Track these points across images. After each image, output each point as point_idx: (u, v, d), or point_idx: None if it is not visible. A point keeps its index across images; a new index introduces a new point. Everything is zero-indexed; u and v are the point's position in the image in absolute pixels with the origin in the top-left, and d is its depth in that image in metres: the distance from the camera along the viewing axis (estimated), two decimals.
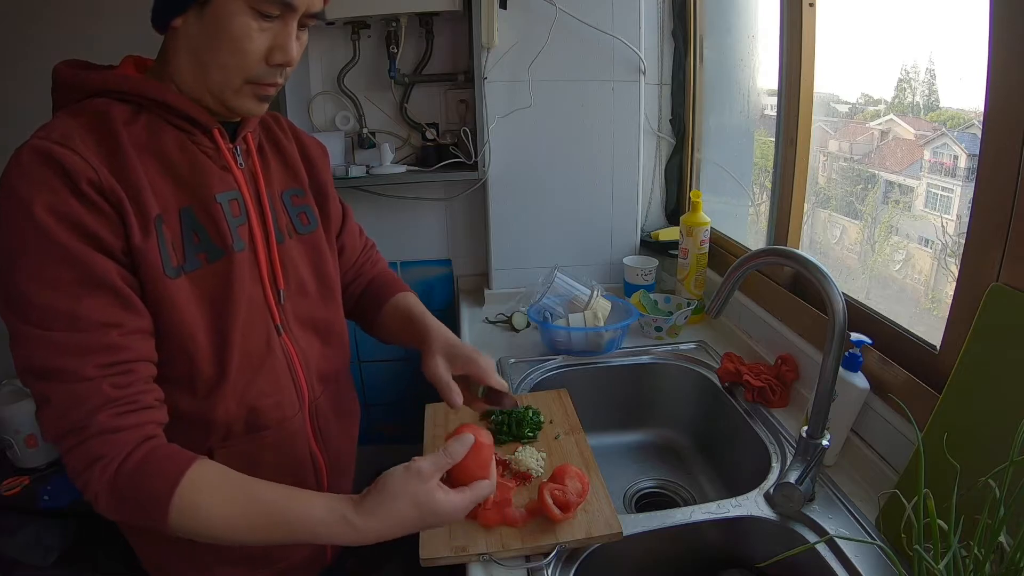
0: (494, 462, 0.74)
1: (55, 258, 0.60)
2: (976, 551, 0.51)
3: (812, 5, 1.12)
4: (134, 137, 0.67)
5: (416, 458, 0.69)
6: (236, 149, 0.76)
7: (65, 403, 0.60)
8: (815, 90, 1.16)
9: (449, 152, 1.56)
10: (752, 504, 0.87)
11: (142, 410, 0.63)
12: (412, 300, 1.00)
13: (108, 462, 0.60)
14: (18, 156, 0.62)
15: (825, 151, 1.27)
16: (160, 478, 0.61)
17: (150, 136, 0.69)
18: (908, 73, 1.03)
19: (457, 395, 0.84)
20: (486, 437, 0.74)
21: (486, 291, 1.68)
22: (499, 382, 0.86)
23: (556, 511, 0.78)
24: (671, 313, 1.42)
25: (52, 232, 0.60)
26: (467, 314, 1.61)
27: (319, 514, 0.64)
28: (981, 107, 0.74)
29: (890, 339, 0.92)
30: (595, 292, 1.34)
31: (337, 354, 0.89)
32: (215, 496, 0.62)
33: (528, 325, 1.48)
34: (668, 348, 1.36)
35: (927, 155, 1.01)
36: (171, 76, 0.70)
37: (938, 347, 0.84)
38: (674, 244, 1.54)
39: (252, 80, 0.69)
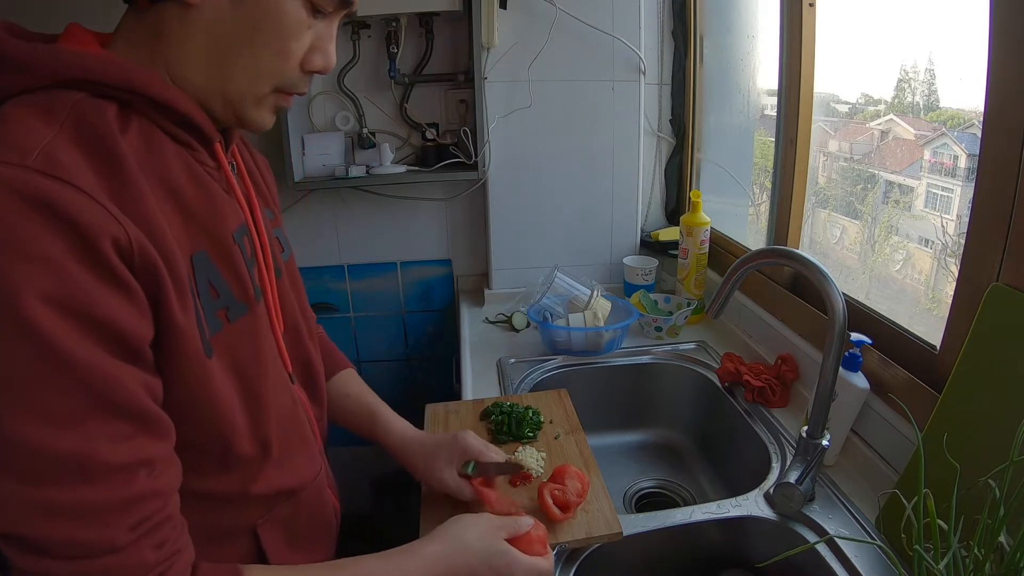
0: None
1: (58, 378, 0.41)
2: (976, 551, 0.51)
3: (812, 5, 1.12)
4: (135, 154, 0.48)
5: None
6: (232, 164, 0.61)
7: (69, 553, 0.42)
8: (815, 90, 1.16)
9: (449, 152, 1.56)
10: (752, 504, 0.87)
11: (178, 558, 0.48)
12: (363, 389, 0.89)
13: None
14: None
15: (825, 151, 1.27)
16: None
17: (148, 152, 0.50)
18: (908, 73, 1.03)
19: (468, 488, 0.79)
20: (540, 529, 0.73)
21: (486, 291, 1.68)
22: (496, 453, 0.81)
23: (556, 511, 0.78)
24: (671, 313, 1.42)
25: (54, 339, 0.40)
26: (467, 314, 1.61)
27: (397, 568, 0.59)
28: (981, 107, 0.74)
29: (890, 339, 0.92)
30: (595, 292, 1.34)
31: (320, 388, 0.76)
32: None
33: (528, 325, 1.48)
34: (668, 348, 1.36)
35: (927, 155, 1.01)
36: (167, 66, 0.52)
37: (938, 347, 0.84)
38: (674, 244, 1.54)
39: (281, 87, 0.55)
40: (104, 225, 0.42)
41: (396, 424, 0.86)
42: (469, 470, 0.80)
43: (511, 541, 0.67)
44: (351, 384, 0.88)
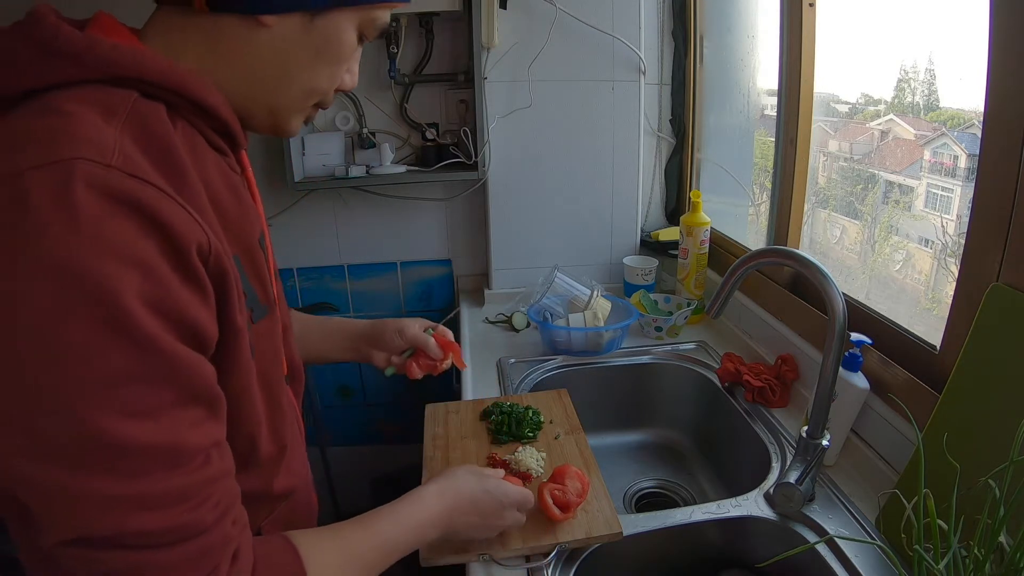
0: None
1: (151, 375, 0.41)
2: (976, 551, 0.51)
3: (812, 5, 1.12)
4: (194, 156, 0.50)
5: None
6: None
7: (179, 565, 0.43)
8: (815, 90, 1.16)
9: (449, 152, 1.56)
10: (752, 504, 0.87)
11: (247, 530, 0.50)
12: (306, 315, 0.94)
13: None
14: (63, 195, 0.38)
15: (825, 151, 1.27)
16: None
17: (193, 157, 0.49)
18: (908, 73, 1.03)
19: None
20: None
21: (486, 291, 1.68)
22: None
23: (556, 511, 0.78)
24: (671, 313, 1.42)
25: (151, 341, 0.40)
26: (467, 314, 1.61)
27: (410, 515, 0.66)
28: (981, 107, 0.74)
29: (890, 339, 0.92)
30: (595, 292, 1.34)
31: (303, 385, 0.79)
32: (337, 571, 0.56)
33: (528, 325, 1.48)
34: (668, 348, 1.36)
35: (927, 155, 1.01)
36: (213, 72, 0.53)
37: (938, 347, 0.84)
38: (674, 244, 1.54)
39: (320, 103, 0.60)
40: (191, 229, 0.43)
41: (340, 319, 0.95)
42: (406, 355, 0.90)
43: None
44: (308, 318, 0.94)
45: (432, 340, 0.90)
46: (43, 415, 0.38)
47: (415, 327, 0.90)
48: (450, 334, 0.93)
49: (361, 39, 0.58)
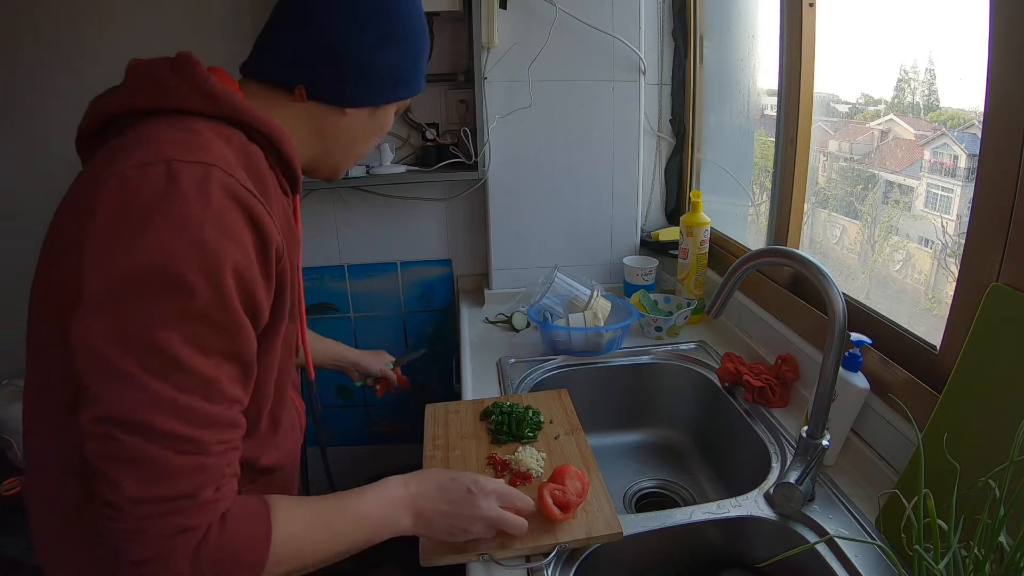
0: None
1: (218, 323, 0.54)
2: (976, 551, 0.51)
3: (812, 5, 1.12)
4: (273, 190, 0.65)
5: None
6: None
7: (176, 472, 0.52)
8: (815, 90, 1.16)
9: (449, 152, 1.56)
10: (752, 504, 0.87)
11: (234, 479, 0.58)
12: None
13: (196, 533, 0.53)
14: (203, 186, 0.53)
15: (825, 151, 1.27)
16: (251, 536, 0.57)
17: (276, 196, 0.66)
18: (908, 73, 1.03)
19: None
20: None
21: (486, 291, 1.68)
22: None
23: (556, 511, 0.78)
24: (671, 313, 1.42)
25: (231, 301, 0.54)
26: (467, 314, 1.61)
27: (376, 492, 0.70)
28: (981, 107, 0.74)
29: (890, 339, 0.92)
30: (595, 292, 1.34)
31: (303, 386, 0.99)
32: (304, 532, 0.62)
33: (528, 325, 1.48)
34: (668, 348, 1.36)
35: (927, 155, 1.01)
36: (309, 141, 0.73)
37: (938, 347, 0.84)
38: (674, 244, 1.54)
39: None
40: (275, 235, 0.59)
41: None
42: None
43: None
44: None
45: (392, 374, 1.25)
46: (137, 318, 0.51)
47: (376, 365, 1.23)
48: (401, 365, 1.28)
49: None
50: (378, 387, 1.27)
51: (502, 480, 0.82)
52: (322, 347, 1.19)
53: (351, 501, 0.68)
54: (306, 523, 0.62)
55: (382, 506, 0.70)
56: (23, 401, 0.65)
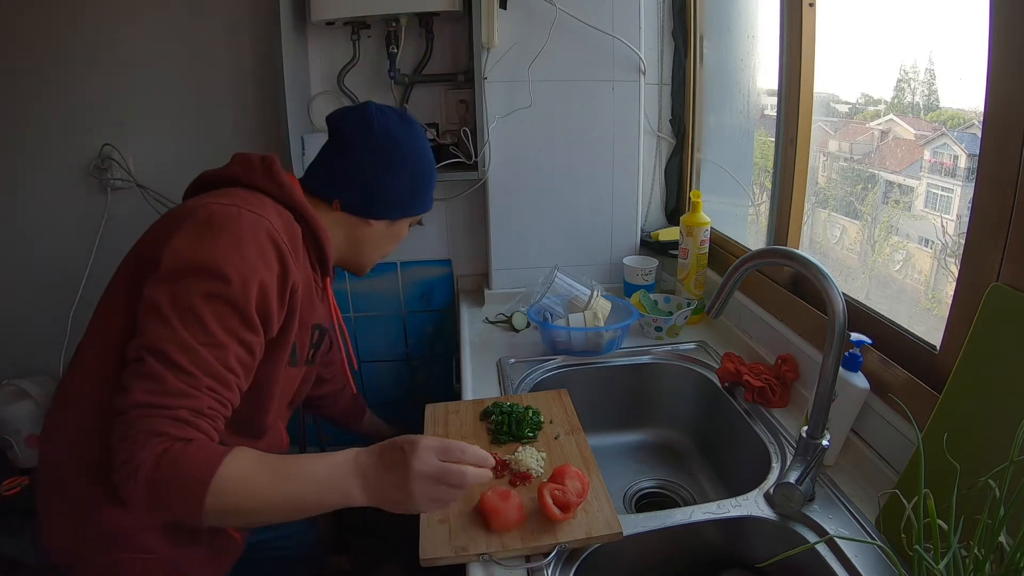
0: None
1: (240, 315, 0.75)
2: (976, 551, 0.51)
3: (812, 5, 1.12)
4: (302, 261, 0.88)
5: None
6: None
7: (172, 389, 0.70)
8: (815, 90, 1.16)
9: (449, 152, 1.56)
10: (752, 504, 0.87)
11: (212, 428, 0.73)
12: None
13: (167, 439, 0.68)
14: (256, 227, 0.78)
15: (825, 151, 1.27)
16: (203, 460, 0.68)
17: (303, 265, 0.89)
18: (908, 73, 1.03)
19: None
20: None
21: (486, 291, 1.68)
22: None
23: (556, 511, 0.78)
24: (671, 313, 1.42)
25: (250, 297, 0.75)
26: (467, 314, 1.61)
27: (329, 456, 0.75)
28: (981, 107, 0.74)
29: (890, 339, 0.92)
30: (595, 292, 1.34)
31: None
32: (249, 472, 0.71)
33: (528, 325, 1.48)
34: (668, 348, 1.36)
35: (927, 155, 1.01)
36: (342, 239, 0.98)
37: (938, 347, 0.84)
38: (674, 244, 1.54)
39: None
40: (293, 275, 0.82)
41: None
42: None
43: (490, 515, 0.80)
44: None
45: None
46: (186, 286, 0.73)
47: None
48: None
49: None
50: None
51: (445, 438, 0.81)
52: (372, 426, 1.42)
53: (304, 459, 0.74)
54: (257, 464, 0.72)
55: (330, 468, 0.73)
56: (78, 349, 0.85)
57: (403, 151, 0.97)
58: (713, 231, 1.46)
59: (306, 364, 0.98)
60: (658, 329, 1.39)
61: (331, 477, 0.72)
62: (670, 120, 1.66)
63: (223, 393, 0.74)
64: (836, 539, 0.76)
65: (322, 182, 0.97)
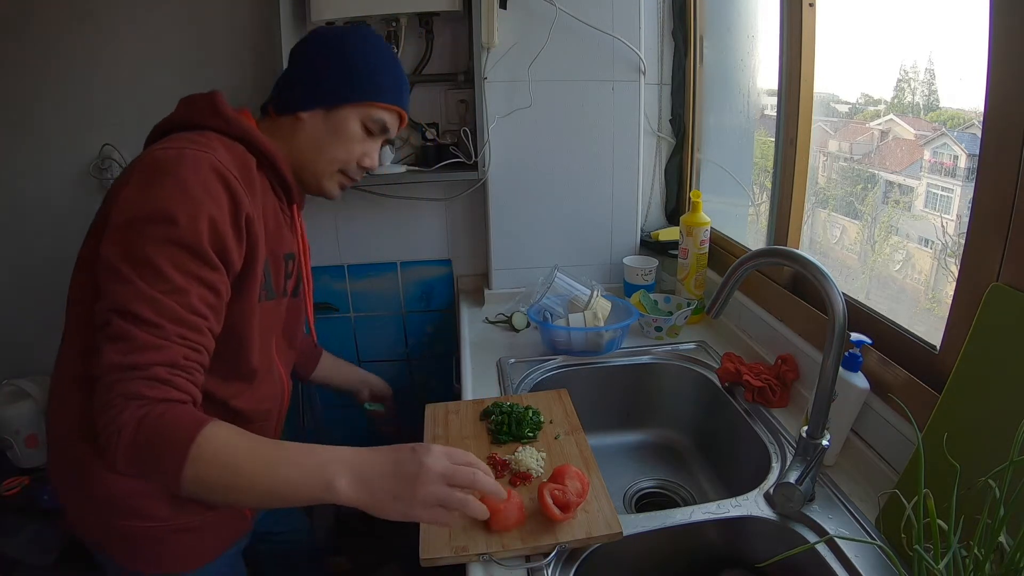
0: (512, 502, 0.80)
1: (191, 251, 0.72)
2: (976, 551, 0.51)
3: (812, 5, 1.12)
4: (260, 190, 0.85)
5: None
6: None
7: (141, 345, 0.68)
8: (815, 90, 1.16)
9: (449, 152, 1.56)
10: (752, 504, 0.87)
11: (190, 383, 0.72)
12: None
13: (146, 403, 0.67)
14: (197, 163, 0.75)
15: (825, 151, 1.27)
16: (183, 426, 0.68)
17: (262, 192, 0.86)
18: (908, 73, 1.03)
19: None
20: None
21: (486, 291, 1.68)
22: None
23: (556, 511, 0.78)
24: (671, 313, 1.42)
25: (202, 235, 0.73)
26: (467, 314, 1.61)
27: (322, 452, 0.72)
28: (981, 107, 0.74)
29: (890, 339, 0.92)
30: (595, 292, 1.34)
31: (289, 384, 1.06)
32: (230, 447, 0.69)
33: (528, 325, 1.48)
34: (668, 348, 1.36)
35: (927, 155, 1.01)
36: (286, 150, 0.90)
37: (938, 347, 0.84)
38: (674, 244, 1.54)
39: (344, 171, 0.95)
40: (246, 205, 0.78)
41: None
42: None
43: (491, 515, 0.76)
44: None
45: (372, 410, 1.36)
46: (136, 238, 0.71)
47: (387, 388, 1.37)
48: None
49: (368, 131, 0.93)
50: (383, 412, 1.36)
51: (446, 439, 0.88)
52: (337, 367, 1.33)
53: (289, 445, 0.72)
54: (238, 436, 0.71)
55: (318, 456, 0.70)
56: (65, 322, 0.85)
57: (335, 36, 0.92)
58: (713, 231, 1.46)
59: (286, 296, 0.95)
60: (658, 329, 1.39)
61: (317, 465, 0.69)
62: (670, 120, 1.66)
63: (194, 339, 0.72)
64: (836, 539, 0.76)
65: (270, 99, 0.94)
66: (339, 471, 0.69)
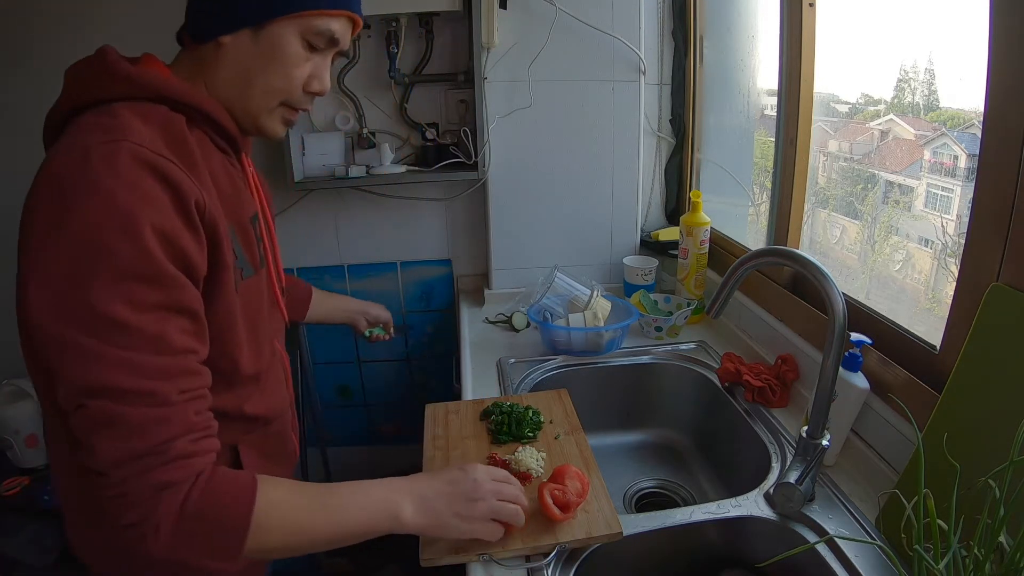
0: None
1: (149, 279, 0.57)
2: (976, 551, 0.51)
3: (812, 5, 1.12)
4: (202, 154, 0.67)
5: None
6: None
7: (142, 426, 0.56)
8: (815, 90, 1.16)
9: (449, 152, 1.56)
10: (752, 504, 0.87)
11: (211, 436, 0.63)
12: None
13: (179, 489, 0.57)
14: (111, 160, 0.57)
15: (825, 151, 1.27)
16: (233, 501, 0.60)
17: (204, 155, 0.68)
18: (908, 73, 1.03)
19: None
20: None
21: (486, 291, 1.68)
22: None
23: (556, 511, 0.78)
24: (671, 313, 1.42)
25: (154, 253, 0.57)
26: (467, 314, 1.61)
27: (378, 486, 0.71)
28: (981, 107, 0.74)
29: (890, 339, 0.92)
30: (595, 292, 1.34)
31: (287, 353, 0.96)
32: (290, 507, 0.64)
33: (528, 325, 1.48)
34: (668, 348, 1.36)
35: (927, 155, 1.01)
36: (209, 89, 0.71)
37: (938, 347, 0.84)
38: (674, 244, 1.54)
39: (287, 103, 0.74)
40: (192, 190, 0.61)
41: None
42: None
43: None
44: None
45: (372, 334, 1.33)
46: (74, 291, 0.55)
47: (385, 313, 1.33)
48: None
49: (313, 47, 0.71)
50: (385, 336, 1.34)
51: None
52: (331, 302, 1.26)
53: (341, 486, 0.70)
54: (292, 493, 0.65)
55: (376, 492, 0.70)
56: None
57: None
58: (713, 231, 1.46)
59: (263, 266, 0.79)
60: (658, 329, 1.39)
61: (382, 498, 0.69)
62: (670, 120, 1.66)
63: (195, 384, 0.61)
64: (836, 539, 0.76)
65: (184, 24, 0.72)
66: (401, 501, 0.70)
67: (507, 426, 1.01)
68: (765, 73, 1.43)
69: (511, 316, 1.50)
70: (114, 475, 0.56)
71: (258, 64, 0.70)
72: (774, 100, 1.27)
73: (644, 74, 1.53)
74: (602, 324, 1.32)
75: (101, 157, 0.57)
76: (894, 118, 1.08)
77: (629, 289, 1.55)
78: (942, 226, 0.98)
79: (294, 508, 0.64)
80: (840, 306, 0.77)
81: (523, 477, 0.90)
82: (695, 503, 1.09)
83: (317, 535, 0.65)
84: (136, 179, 0.57)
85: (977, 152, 0.76)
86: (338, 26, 0.72)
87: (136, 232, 0.56)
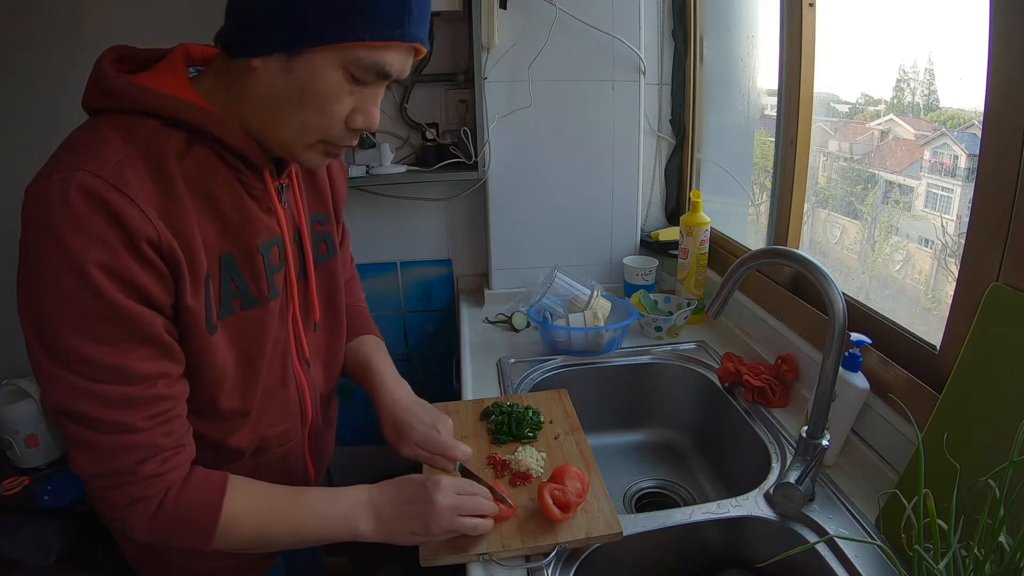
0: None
1: (105, 316, 0.57)
2: (976, 551, 0.51)
3: (812, 5, 1.12)
4: (186, 174, 0.62)
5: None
6: (281, 185, 0.73)
7: (112, 451, 0.60)
8: (815, 90, 1.16)
9: (449, 152, 1.56)
10: (752, 504, 0.87)
11: (183, 451, 0.65)
12: (373, 346, 0.96)
13: (150, 502, 0.62)
14: (64, 193, 0.55)
15: (825, 151, 1.27)
16: (201, 510, 0.65)
17: (201, 173, 0.63)
18: (908, 73, 1.03)
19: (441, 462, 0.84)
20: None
21: (486, 291, 1.68)
22: (463, 452, 0.83)
23: (556, 511, 0.78)
24: (671, 313, 1.42)
25: (105, 291, 0.56)
26: (467, 314, 1.61)
27: (341, 498, 0.73)
28: (981, 107, 0.74)
29: (890, 339, 0.92)
30: (595, 292, 1.34)
31: (335, 375, 0.93)
32: (253, 516, 0.68)
33: (528, 325, 1.48)
34: (668, 348, 1.36)
35: (927, 155, 1.01)
36: (238, 110, 0.64)
37: (938, 347, 0.84)
38: (674, 244, 1.54)
39: (326, 140, 0.65)
40: (143, 227, 0.58)
41: (388, 379, 0.91)
42: (456, 468, 0.84)
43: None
44: (362, 343, 0.96)
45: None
46: (41, 318, 0.57)
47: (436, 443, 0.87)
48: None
49: (356, 81, 0.62)
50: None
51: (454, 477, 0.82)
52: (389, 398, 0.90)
53: (309, 495, 0.73)
54: (259, 497, 0.69)
55: (339, 503, 0.73)
56: None
57: None
58: (713, 231, 1.46)
59: (277, 296, 0.73)
60: (658, 329, 1.39)
61: (340, 515, 0.72)
62: (670, 120, 1.66)
63: (162, 409, 0.62)
64: (836, 539, 0.76)
65: (219, 32, 0.64)
66: (359, 518, 0.72)
67: (507, 426, 1.01)
68: (765, 73, 1.43)
69: (511, 316, 1.50)
70: (93, 485, 0.62)
71: (291, 97, 0.61)
72: (774, 100, 1.27)
73: (644, 74, 1.53)
74: (602, 324, 1.32)
75: (57, 192, 0.55)
76: (894, 118, 1.08)
77: (629, 289, 1.55)
78: (942, 226, 0.98)
79: (258, 514, 0.69)
80: (840, 306, 0.77)
81: (523, 477, 0.90)
82: (695, 503, 1.09)
83: (276, 541, 0.70)
84: (83, 217, 0.55)
85: (977, 152, 0.76)
86: (392, 58, 0.61)
87: (83, 272, 0.55)
